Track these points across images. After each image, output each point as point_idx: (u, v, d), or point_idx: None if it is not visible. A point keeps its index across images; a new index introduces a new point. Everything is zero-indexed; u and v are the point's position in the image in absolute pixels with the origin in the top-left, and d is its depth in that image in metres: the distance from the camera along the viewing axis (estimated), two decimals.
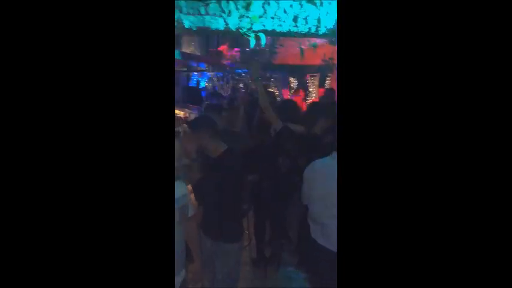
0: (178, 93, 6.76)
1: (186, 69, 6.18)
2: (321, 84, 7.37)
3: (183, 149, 1.69)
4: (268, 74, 8.96)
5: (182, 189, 1.41)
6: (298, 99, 5.32)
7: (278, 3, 2.51)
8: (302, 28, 3.07)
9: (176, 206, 1.32)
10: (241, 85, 9.51)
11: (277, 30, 2.89)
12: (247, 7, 1.84)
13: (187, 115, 5.60)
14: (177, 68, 5.92)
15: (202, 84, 8.01)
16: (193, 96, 7.09)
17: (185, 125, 4.47)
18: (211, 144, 1.70)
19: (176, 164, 1.29)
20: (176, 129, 4.40)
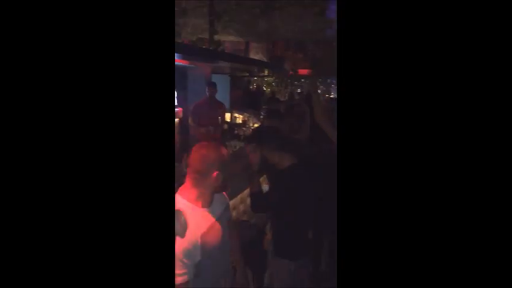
0: (237, 97, 6.95)
1: (247, 74, 6.32)
2: None
3: (248, 159, 1.66)
4: (329, 80, 8.70)
5: (224, 200, 1.30)
6: None
7: None
8: None
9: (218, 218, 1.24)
10: (298, 90, 9.42)
11: None
12: (321, 13, 1.77)
13: (245, 119, 5.72)
14: (238, 73, 6.10)
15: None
16: (252, 100, 7.24)
17: (245, 129, 4.58)
18: (276, 155, 1.65)
19: (225, 174, 1.14)
20: (236, 132, 4.52)
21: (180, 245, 1.00)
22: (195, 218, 1.07)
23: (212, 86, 3.93)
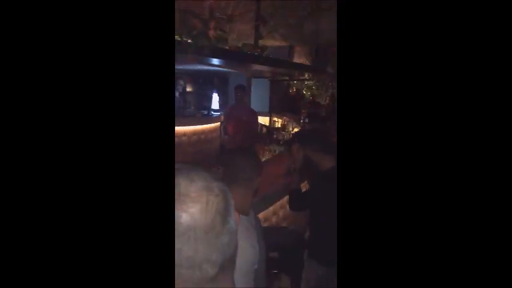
0: (276, 101, 6.96)
1: (287, 77, 6.30)
2: None
3: (291, 158, 1.69)
4: None
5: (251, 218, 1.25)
6: None
7: None
8: None
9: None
10: None
11: None
12: None
13: (285, 123, 5.71)
14: (278, 77, 6.11)
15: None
16: (291, 104, 7.20)
17: (284, 133, 4.57)
18: (319, 156, 1.66)
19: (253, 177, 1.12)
20: (275, 136, 4.53)
21: (248, 254, 1.03)
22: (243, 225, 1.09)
23: (239, 88, 3.26)
